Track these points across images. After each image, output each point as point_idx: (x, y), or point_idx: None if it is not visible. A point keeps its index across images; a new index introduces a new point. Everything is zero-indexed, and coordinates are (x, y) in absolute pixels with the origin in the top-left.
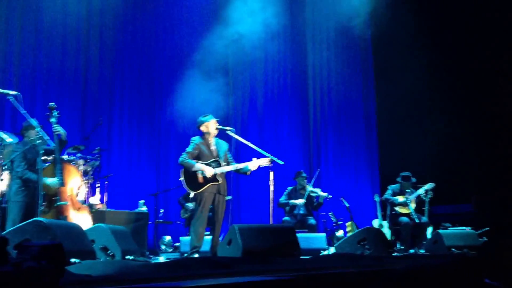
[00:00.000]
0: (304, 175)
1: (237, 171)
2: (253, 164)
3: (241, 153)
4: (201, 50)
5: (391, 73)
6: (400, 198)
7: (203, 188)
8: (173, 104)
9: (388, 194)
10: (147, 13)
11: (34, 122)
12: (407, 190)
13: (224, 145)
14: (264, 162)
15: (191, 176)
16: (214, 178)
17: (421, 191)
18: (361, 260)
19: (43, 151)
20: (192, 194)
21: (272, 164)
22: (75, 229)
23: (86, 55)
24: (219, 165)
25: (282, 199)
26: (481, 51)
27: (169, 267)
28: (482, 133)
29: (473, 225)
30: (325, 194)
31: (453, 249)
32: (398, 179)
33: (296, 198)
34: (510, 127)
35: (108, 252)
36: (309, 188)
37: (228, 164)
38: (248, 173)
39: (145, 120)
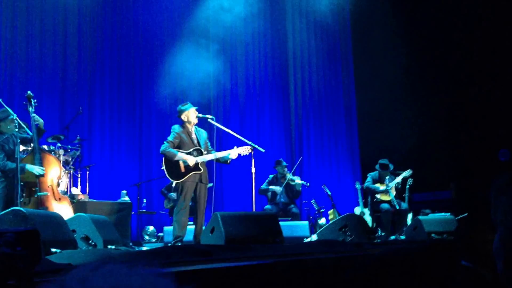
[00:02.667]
0: (284, 163)
1: (217, 159)
2: (234, 153)
3: (222, 141)
4: (181, 38)
5: (370, 60)
6: (381, 187)
7: (185, 177)
8: (154, 92)
9: (368, 183)
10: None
11: (10, 111)
12: (386, 177)
13: (203, 134)
14: (245, 150)
15: (172, 165)
16: (196, 167)
17: (400, 178)
18: (342, 247)
19: (19, 140)
20: (174, 183)
21: (253, 152)
22: (56, 219)
23: (64, 42)
24: (200, 153)
25: (263, 186)
26: (460, 39)
27: (150, 255)
28: (460, 120)
29: (452, 211)
30: (302, 182)
31: (433, 235)
32: (377, 167)
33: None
34: (488, 114)
35: (90, 241)
36: (289, 176)
37: (208, 152)
38: (228, 161)
39: (127, 109)
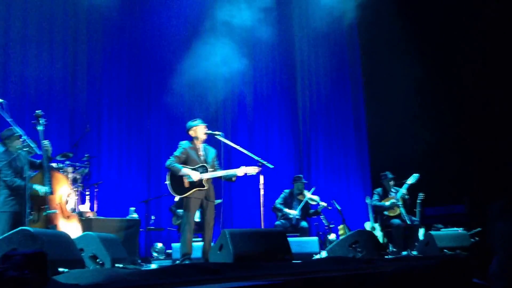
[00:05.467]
0: (303, 180)
1: (223, 177)
2: (240, 172)
3: (231, 157)
4: (188, 54)
5: (379, 72)
6: (387, 202)
7: (188, 193)
8: (163, 109)
9: (375, 200)
10: (134, 15)
11: (19, 130)
12: (392, 190)
13: (212, 152)
14: (252, 170)
15: (177, 180)
16: (200, 183)
17: (406, 185)
18: (353, 263)
19: (27, 160)
20: (177, 198)
21: (261, 168)
22: (63, 238)
23: (74, 60)
24: (206, 170)
25: (278, 202)
26: (472, 50)
27: (159, 274)
28: (475, 133)
29: (465, 226)
30: (325, 204)
31: (445, 250)
32: (381, 181)
33: (292, 202)
34: (502, 127)
35: (98, 260)
36: (308, 195)
37: (214, 170)
38: (233, 179)
39: (135, 126)
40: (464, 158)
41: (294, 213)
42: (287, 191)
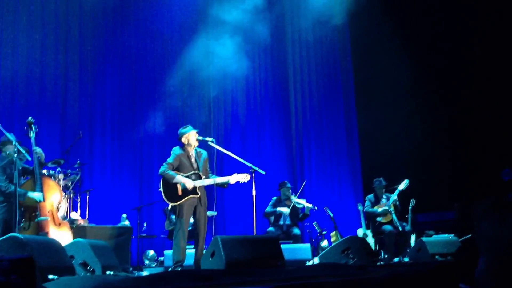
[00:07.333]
0: (288, 185)
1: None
2: (233, 179)
3: (224, 163)
4: (180, 60)
5: (371, 79)
6: (379, 208)
7: (181, 200)
8: (155, 116)
9: (367, 207)
10: (127, 22)
11: (11, 136)
12: (383, 196)
13: (203, 154)
14: (244, 178)
15: (170, 187)
16: (193, 190)
17: (397, 192)
18: (344, 269)
19: (21, 167)
20: (170, 206)
21: (253, 174)
22: (53, 245)
23: (65, 66)
24: (199, 177)
25: (268, 209)
26: (464, 56)
27: (150, 281)
28: (464, 140)
29: (456, 232)
30: (310, 205)
31: (437, 257)
32: (373, 187)
33: None
34: (491, 133)
35: (88, 267)
36: (294, 199)
37: (207, 177)
38: (226, 185)
39: (127, 133)
40: (456, 165)
41: (286, 210)
42: (274, 198)
